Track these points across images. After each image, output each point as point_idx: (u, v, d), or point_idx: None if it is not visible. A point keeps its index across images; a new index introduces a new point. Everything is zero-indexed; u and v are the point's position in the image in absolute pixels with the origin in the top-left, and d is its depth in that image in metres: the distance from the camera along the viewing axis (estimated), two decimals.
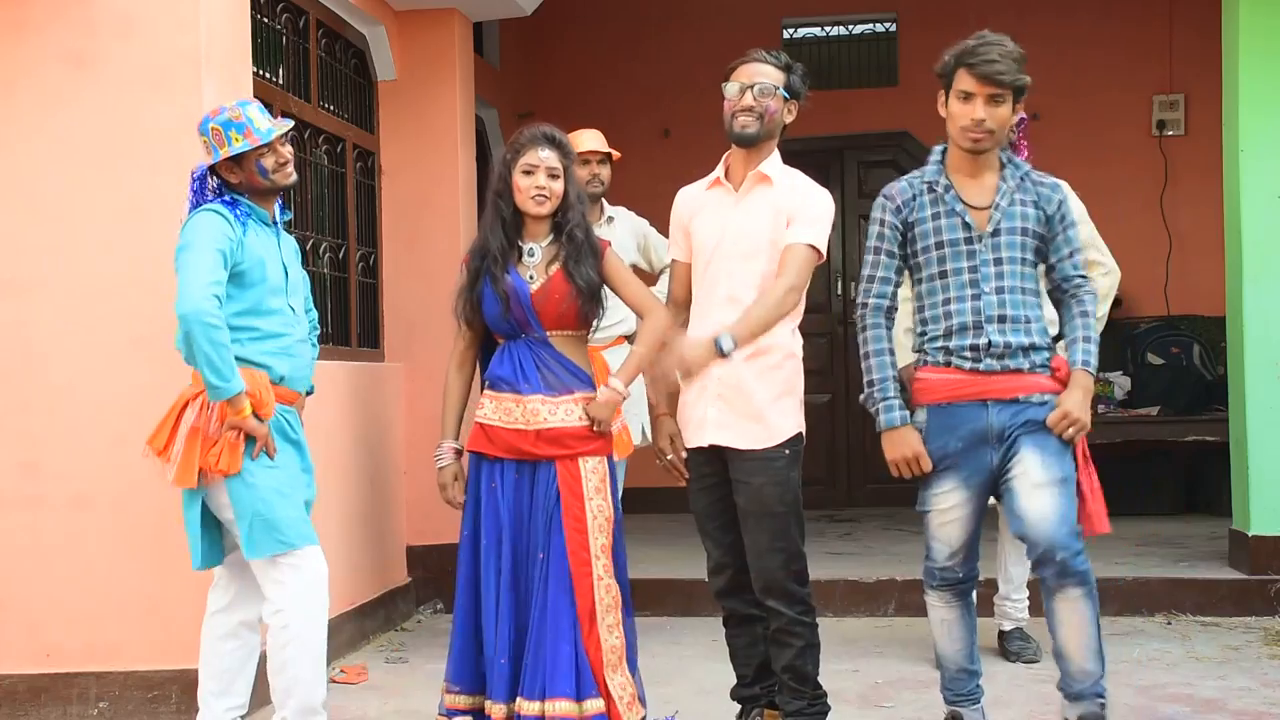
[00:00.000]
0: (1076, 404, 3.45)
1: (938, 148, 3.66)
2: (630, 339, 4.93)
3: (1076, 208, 4.87)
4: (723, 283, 3.72)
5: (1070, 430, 3.45)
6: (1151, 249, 8.23)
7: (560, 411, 3.78)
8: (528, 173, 3.81)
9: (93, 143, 4.45)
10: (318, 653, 3.78)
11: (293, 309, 3.90)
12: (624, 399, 3.86)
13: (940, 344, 3.55)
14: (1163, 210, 8.37)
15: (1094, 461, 3.59)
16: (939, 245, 3.55)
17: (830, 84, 8.77)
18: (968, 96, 3.47)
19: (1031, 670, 4.79)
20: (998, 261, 3.52)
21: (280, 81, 5.35)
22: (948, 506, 3.56)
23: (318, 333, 4.17)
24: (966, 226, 3.54)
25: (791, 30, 9.05)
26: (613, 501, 3.83)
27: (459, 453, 3.95)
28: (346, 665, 5.12)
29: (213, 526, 3.80)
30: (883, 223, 3.61)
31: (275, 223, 3.91)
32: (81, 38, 4.46)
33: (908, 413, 3.55)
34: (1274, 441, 5.69)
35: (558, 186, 3.82)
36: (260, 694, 4.08)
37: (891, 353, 3.60)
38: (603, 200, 5.29)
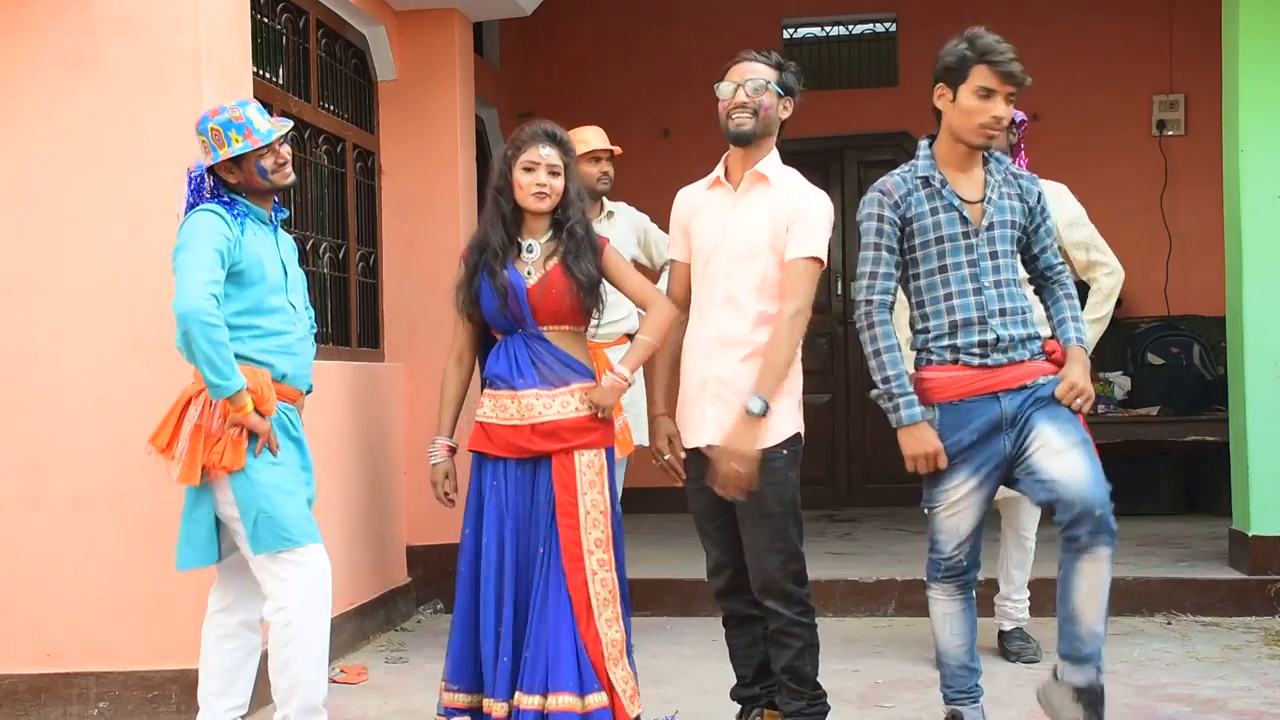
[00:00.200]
0: (1080, 375, 3.53)
1: (924, 141, 3.67)
2: (633, 337, 4.93)
3: (1076, 210, 4.88)
4: (721, 283, 3.72)
5: (1079, 401, 3.51)
6: (1151, 249, 8.23)
7: (556, 404, 3.78)
8: (528, 170, 3.81)
9: (92, 143, 4.45)
10: (320, 651, 3.77)
11: (293, 307, 3.90)
12: (629, 385, 3.85)
13: (946, 342, 3.56)
14: (1163, 210, 8.37)
15: None
16: (938, 240, 3.56)
17: (830, 84, 8.78)
18: (989, 93, 3.51)
19: (1031, 670, 4.78)
20: (994, 255, 3.56)
21: (280, 81, 5.35)
22: (959, 498, 3.58)
23: (314, 331, 4.17)
24: (964, 220, 3.56)
25: (791, 30, 9.05)
26: (611, 494, 3.82)
27: (452, 450, 3.96)
28: (346, 665, 5.12)
29: (210, 527, 3.79)
30: (880, 218, 3.60)
31: (273, 221, 3.92)
32: (80, 38, 4.46)
33: (925, 409, 3.56)
34: (1274, 441, 5.69)
35: (558, 183, 3.83)
36: (261, 694, 4.09)
37: (900, 348, 3.61)
38: (602, 197, 5.30)
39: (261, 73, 5.07)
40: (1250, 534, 5.73)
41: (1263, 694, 4.47)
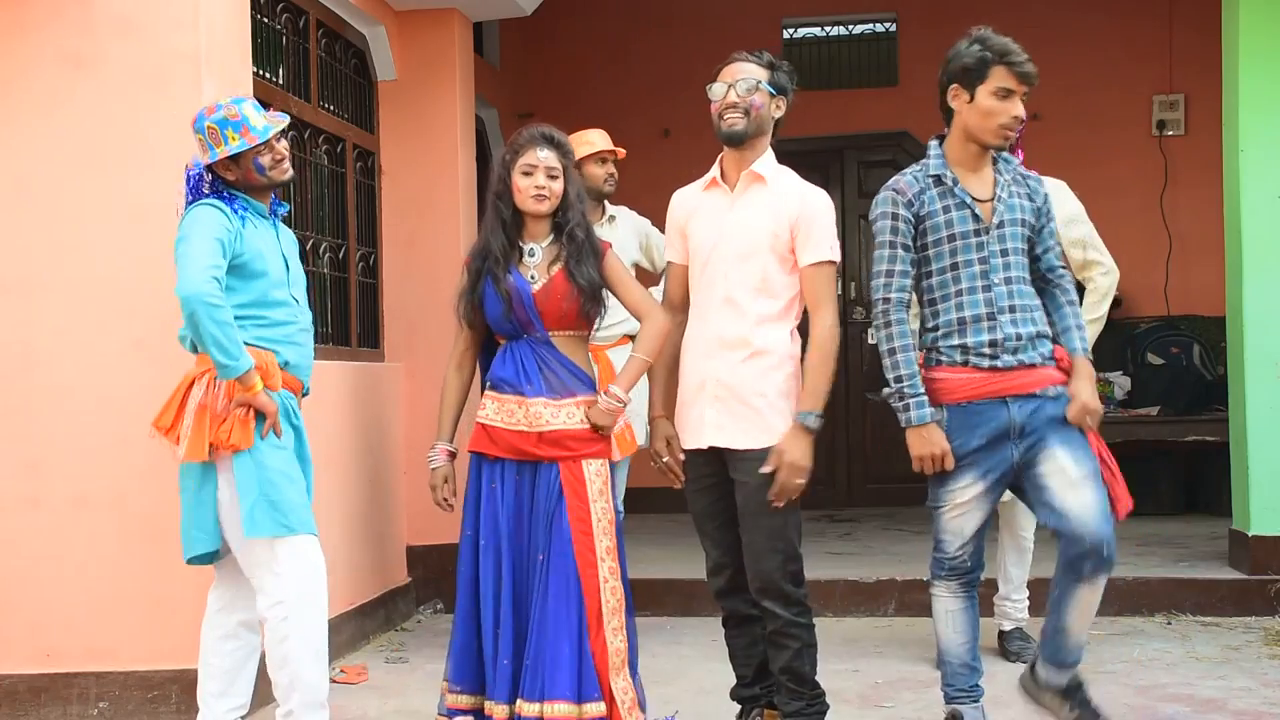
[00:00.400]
0: (1090, 395, 3.57)
1: (934, 141, 3.69)
2: (634, 338, 4.93)
3: (1075, 207, 4.89)
4: (720, 284, 3.72)
5: (1090, 420, 3.56)
6: (1151, 249, 8.24)
7: (562, 414, 3.78)
8: (527, 173, 3.81)
9: (92, 143, 4.45)
10: (319, 645, 3.75)
11: (296, 299, 3.91)
12: (624, 406, 3.86)
13: (956, 342, 3.58)
14: (1163, 210, 8.37)
15: None
16: (950, 238, 3.59)
17: (830, 84, 8.78)
18: (1008, 94, 3.56)
19: None
20: (1004, 253, 3.59)
21: (280, 81, 5.35)
22: (965, 500, 3.60)
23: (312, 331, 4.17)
24: (976, 219, 3.59)
25: (791, 30, 9.05)
26: (614, 504, 3.83)
27: (452, 455, 3.95)
28: (346, 665, 5.12)
29: (211, 518, 3.76)
30: (895, 216, 3.61)
31: (273, 215, 3.92)
32: (80, 38, 4.46)
33: (935, 410, 3.57)
34: (1274, 441, 5.69)
35: (557, 186, 3.83)
36: (262, 694, 4.08)
37: (915, 348, 3.62)
38: (604, 200, 5.30)
39: (261, 73, 5.07)
40: (1250, 534, 5.73)
41: (1263, 694, 4.47)
